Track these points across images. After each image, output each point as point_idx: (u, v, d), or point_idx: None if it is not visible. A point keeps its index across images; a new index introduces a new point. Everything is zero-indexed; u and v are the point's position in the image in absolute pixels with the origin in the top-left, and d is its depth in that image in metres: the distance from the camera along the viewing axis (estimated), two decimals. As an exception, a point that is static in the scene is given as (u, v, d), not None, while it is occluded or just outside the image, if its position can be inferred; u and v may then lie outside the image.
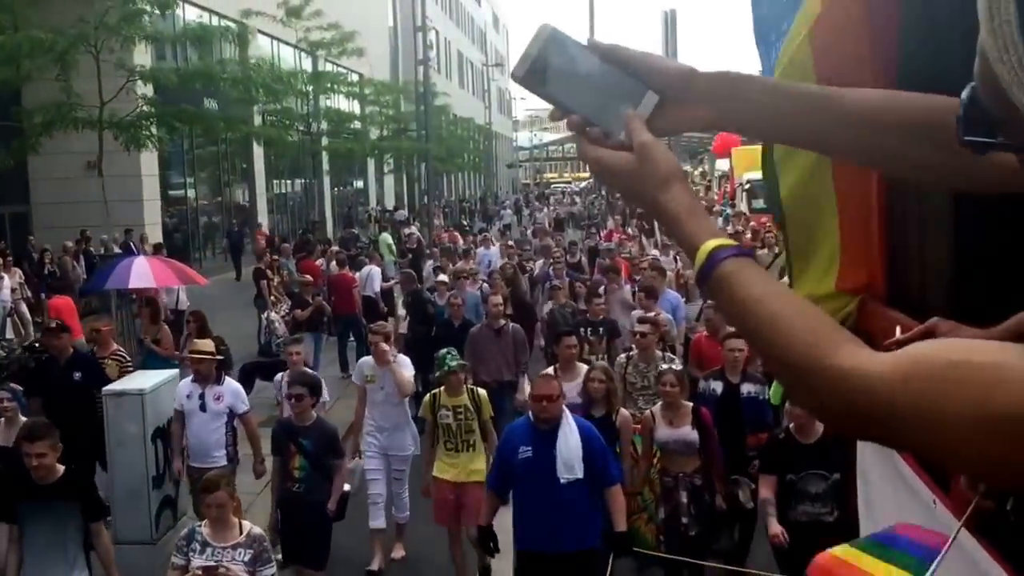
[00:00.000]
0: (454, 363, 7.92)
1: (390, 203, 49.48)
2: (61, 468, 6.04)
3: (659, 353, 9.16)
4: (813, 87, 1.54)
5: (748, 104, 1.40)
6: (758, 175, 42.23)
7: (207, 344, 8.83)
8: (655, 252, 20.03)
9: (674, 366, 8.32)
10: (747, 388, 7.87)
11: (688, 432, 7.28)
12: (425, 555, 8.81)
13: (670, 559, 6.89)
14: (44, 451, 5.89)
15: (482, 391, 8.20)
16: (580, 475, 6.32)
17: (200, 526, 5.76)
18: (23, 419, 7.66)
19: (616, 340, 11.52)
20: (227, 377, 8.80)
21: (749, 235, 21.37)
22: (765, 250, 18.03)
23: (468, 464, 7.84)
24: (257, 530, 5.81)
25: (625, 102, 1.38)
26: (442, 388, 7.97)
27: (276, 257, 20.07)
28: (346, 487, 7.76)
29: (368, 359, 9.08)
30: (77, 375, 8.96)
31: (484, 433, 7.92)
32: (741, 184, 36.79)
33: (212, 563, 5.54)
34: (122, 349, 10.58)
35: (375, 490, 8.65)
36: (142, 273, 13.71)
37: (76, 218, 22.92)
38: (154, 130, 18.28)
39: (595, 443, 6.52)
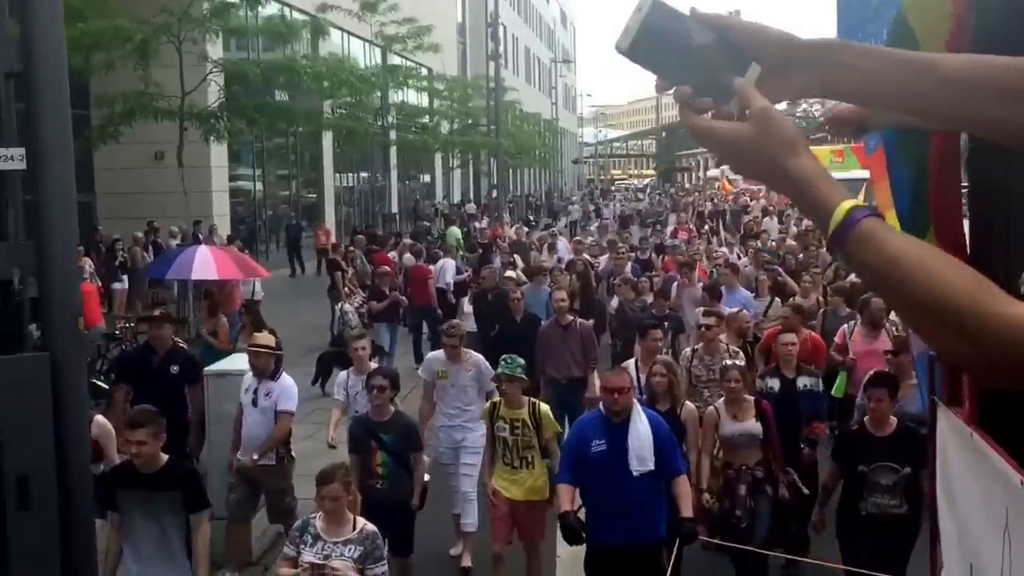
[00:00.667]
0: (510, 367, 7.50)
1: (456, 198, 49.74)
2: (164, 457, 5.97)
3: (723, 346, 9.23)
4: (909, 52, 1.52)
5: (850, 70, 1.38)
6: None
7: (267, 338, 8.63)
8: (723, 249, 19.97)
9: (737, 361, 8.41)
10: (803, 381, 8.23)
11: (752, 425, 7.41)
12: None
13: (736, 548, 6.88)
14: (145, 439, 5.78)
15: (544, 407, 7.74)
16: (652, 467, 6.35)
17: (315, 518, 5.68)
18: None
19: (680, 336, 11.60)
20: (284, 373, 8.56)
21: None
22: (825, 248, 17.81)
23: (529, 481, 7.49)
24: (370, 527, 5.68)
25: (730, 72, 1.35)
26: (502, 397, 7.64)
27: (351, 248, 20.28)
28: (426, 477, 7.74)
29: (439, 354, 9.00)
30: (175, 368, 8.83)
31: (546, 451, 7.52)
32: None
33: (320, 559, 5.48)
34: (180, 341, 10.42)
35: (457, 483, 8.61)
36: (205, 264, 13.68)
37: (141, 208, 23.29)
38: (232, 122, 18.52)
39: (663, 433, 6.56)
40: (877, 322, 9.71)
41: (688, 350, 9.43)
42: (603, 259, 18.76)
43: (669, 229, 30.07)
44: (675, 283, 14.10)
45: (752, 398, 7.65)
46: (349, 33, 32.03)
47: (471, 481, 8.60)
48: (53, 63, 5.29)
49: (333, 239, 26.87)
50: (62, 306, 5.36)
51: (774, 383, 8.18)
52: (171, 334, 9.38)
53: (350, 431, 7.78)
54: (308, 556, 5.52)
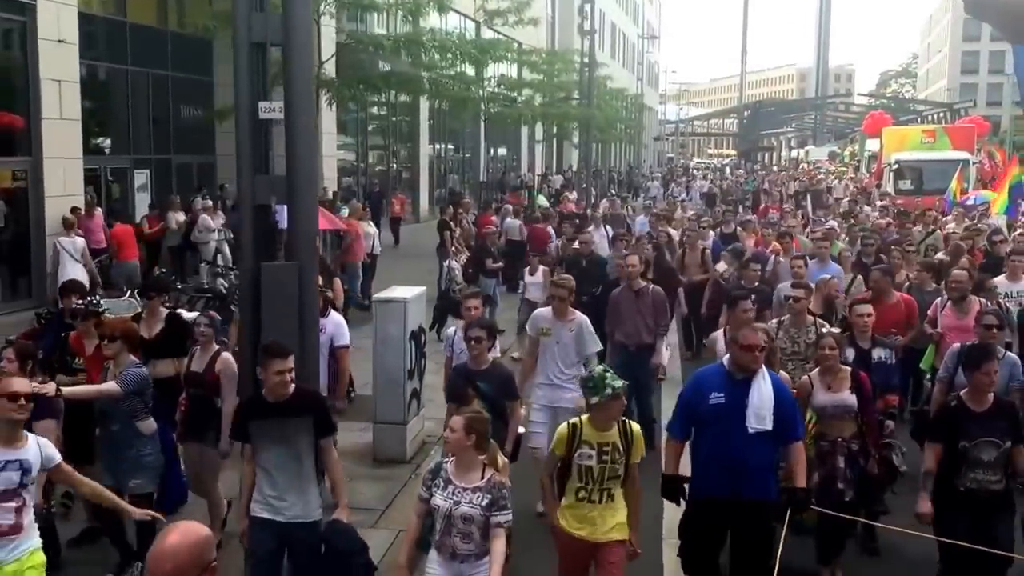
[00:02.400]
0: (618, 385, 6.00)
1: (540, 170, 51.09)
2: (293, 386, 6.06)
3: (809, 319, 9.02)
4: None
5: None
6: (907, 155, 41.73)
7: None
8: (831, 222, 20.21)
9: (831, 330, 8.40)
10: (877, 353, 8.18)
11: (847, 396, 7.27)
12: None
13: (845, 519, 6.90)
14: (281, 369, 5.93)
15: (635, 425, 6.28)
16: (769, 427, 6.23)
17: (447, 462, 5.71)
18: (215, 347, 8.01)
19: (767, 309, 11.03)
20: (332, 311, 8.78)
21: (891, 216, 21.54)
22: (919, 227, 18.75)
23: (607, 518, 6.09)
24: (499, 477, 5.66)
25: None
26: (586, 417, 6.14)
27: (460, 211, 21.90)
28: (520, 429, 7.92)
29: (545, 311, 9.01)
30: None
31: (630, 479, 6.14)
32: (889, 164, 36.58)
33: (450, 503, 5.53)
34: None
35: (536, 444, 8.53)
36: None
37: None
38: (360, 91, 20.01)
39: (786, 396, 6.45)
40: (964, 297, 9.80)
41: (774, 322, 9.15)
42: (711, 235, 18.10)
43: (760, 208, 30.32)
44: (771, 258, 14.09)
45: (848, 368, 7.50)
46: (451, 8, 33.43)
47: None
48: (303, 37, 6.80)
49: (408, 208, 28.25)
50: (305, 227, 6.93)
51: (848, 353, 8.01)
52: None
53: (449, 380, 8.06)
54: (439, 499, 5.58)
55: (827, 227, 17.70)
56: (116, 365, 7.29)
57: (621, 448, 6.03)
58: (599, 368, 6.44)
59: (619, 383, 6.00)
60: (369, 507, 8.80)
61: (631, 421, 6.31)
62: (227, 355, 7.92)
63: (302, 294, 6.75)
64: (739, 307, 8.90)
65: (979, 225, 18.14)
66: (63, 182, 18.22)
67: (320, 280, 13.06)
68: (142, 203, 22.29)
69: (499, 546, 5.47)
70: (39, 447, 5.53)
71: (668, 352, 10.52)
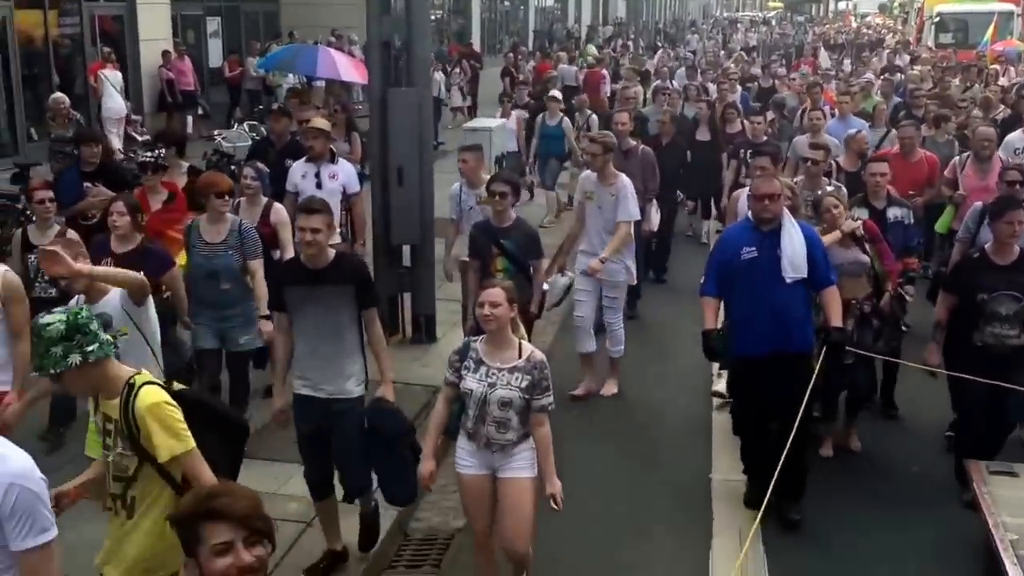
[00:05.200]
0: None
1: (588, 22, 51.49)
2: (332, 252, 5.49)
3: (824, 180, 8.59)
4: None
5: None
6: (949, 7, 41.12)
7: (322, 121, 8.73)
8: (868, 75, 20.22)
9: (834, 189, 8.02)
10: (893, 213, 7.72)
11: (859, 253, 7.06)
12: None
13: (879, 359, 7.00)
14: (320, 226, 5.27)
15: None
16: (805, 274, 6.15)
17: (476, 342, 5.09)
18: (264, 199, 7.67)
19: (777, 165, 9.96)
20: (341, 159, 8.67)
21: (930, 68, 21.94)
22: (957, 79, 19.41)
23: None
24: (539, 355, 5.03)
25: None
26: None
27: (519, 57, 23.26)
28: (544, 286, 7.67)
29: (591, 173, 8.30)
30: (289, 161, 8.74)
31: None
32: (930, 17, 36.11)
33: (485, 386, 4.91)
34: None
35: (580, 312, 8.29)
36: (337, 64, 14.78)
37: (324, 18, 25.92)
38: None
39: (817, 244, 6.34)
40: (990, 156, 9.44)
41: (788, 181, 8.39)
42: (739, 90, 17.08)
43: (794, 63, 30.23)
44: (798, 111, 13.79)
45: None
46: None
47: (614, 313, 8.38)
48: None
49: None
50: (422, 59, 8.74)
51: (862, 213, 7.59)
52: (288, 127, 9.53)
53: (470, 236, 7.58)
54: (471, 383, 4.96)
55: (863, 80, 18.14)
56: (222, 222, 6.83)
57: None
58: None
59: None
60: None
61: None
62: (279, 205, 7.69)
63: (421, 114, 8.50)
64: (755, 164, 8.43)
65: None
66: (152, 25, 19.71)
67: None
68: (215, 49, 23.76)
69: (545, 434, 4.99)
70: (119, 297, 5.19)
71: (659, 216, 10.26)
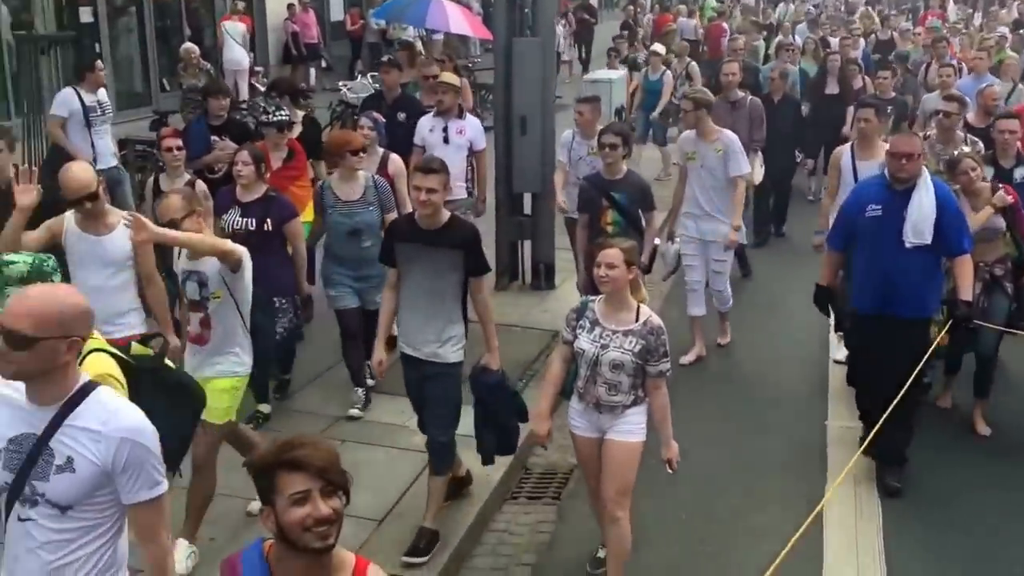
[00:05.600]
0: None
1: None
2: (447, 214, 5.43)
3: (960, 135, 8.26)
4: None
5: None
6: None
7: (452, 76, 8.77)
8: (1001, 30, 19.28)
9: (975, 148, 7.73)
10: (1021, 172, 7.39)
11: (994, 217, 6.70)
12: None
13: (1003, 331, 6.73)
14: (435, 187, 5.22)
15: None
16: (928, 241, 5.89)
17: (594, 301, 5.03)
18: (380, 150, 7.61)
19: (904, 122, 10.37)
20: (468, 113, 8.65)
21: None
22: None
23: None
24: (656, 320, 4.94)
25: None
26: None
27: (638, 10, 23.19)
28: (656, 241, 7.64)
29: (690, 133, 8.12)
30: (402, 115, 8.78)
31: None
32: None
33: (597, 347, 4.87)
34: None
35: (692, 277, 8.19)
36: (448, 15, 13.96)
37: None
38: None
39: (950, 208, 6.03)
40: None
41: (920, 135, 8.11)
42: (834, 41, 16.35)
43: (920, 15, 29.47)
44: (922, 65, 13.61)
45: (989, 185, 6.86)
46: None
47: (721, 279, 8.26)
48: None
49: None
50: (547, 11, 8.94)
51: (988, 172, 7.17)
52: (398, 79, 9.46)
53: (580, 188, 7.53)
54: (584, 343, 4.93)
55: (997, 35, 17.30)
56: (356, 179, 6.90)
57: None
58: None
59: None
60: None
61: None
62: (395, 156, 7.69)
63: (544, 64, 8.69)
64: (858, 114, 7.94)
65: None
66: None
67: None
68: (336, 3, 24.07)
69: (663, 397, 4.97)
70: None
71: (762, 170, 10.13)
